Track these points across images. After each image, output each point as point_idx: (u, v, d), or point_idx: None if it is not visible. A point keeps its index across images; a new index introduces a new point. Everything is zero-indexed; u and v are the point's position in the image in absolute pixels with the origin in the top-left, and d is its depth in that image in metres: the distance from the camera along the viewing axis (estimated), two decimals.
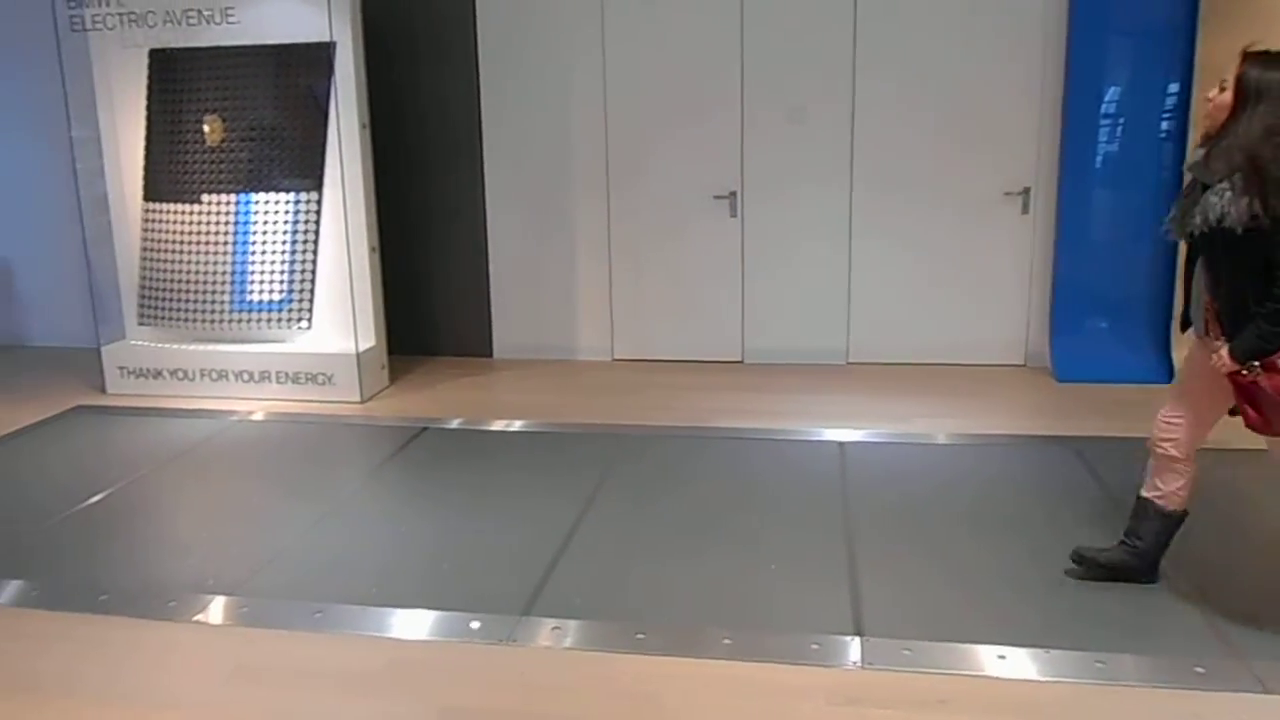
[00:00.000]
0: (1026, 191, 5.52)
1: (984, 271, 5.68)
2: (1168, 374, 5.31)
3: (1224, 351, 2.68)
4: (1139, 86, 5.32)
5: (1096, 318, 5.57)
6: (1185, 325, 2.96)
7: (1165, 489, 3.04)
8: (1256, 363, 2.60)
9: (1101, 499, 3.87)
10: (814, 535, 3.62)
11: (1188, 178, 2.83)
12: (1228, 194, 2.55)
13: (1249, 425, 2.71)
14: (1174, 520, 3.06)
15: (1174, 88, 5.24)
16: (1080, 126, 5.36)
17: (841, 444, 4.55)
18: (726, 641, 2.91)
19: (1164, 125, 5.30)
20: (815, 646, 2.87)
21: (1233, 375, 2.67)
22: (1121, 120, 5.38)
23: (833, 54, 5.53)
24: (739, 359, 5.99)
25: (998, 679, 2.71)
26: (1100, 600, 3.09)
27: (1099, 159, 5.42)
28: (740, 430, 4.77)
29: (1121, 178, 5.43)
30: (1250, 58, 2.63)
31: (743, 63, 5.62)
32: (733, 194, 5.78)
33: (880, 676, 2.73)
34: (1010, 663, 2.76)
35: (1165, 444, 3.00)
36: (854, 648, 2.85)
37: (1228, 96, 2.65)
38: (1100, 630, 2.90)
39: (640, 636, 2.95)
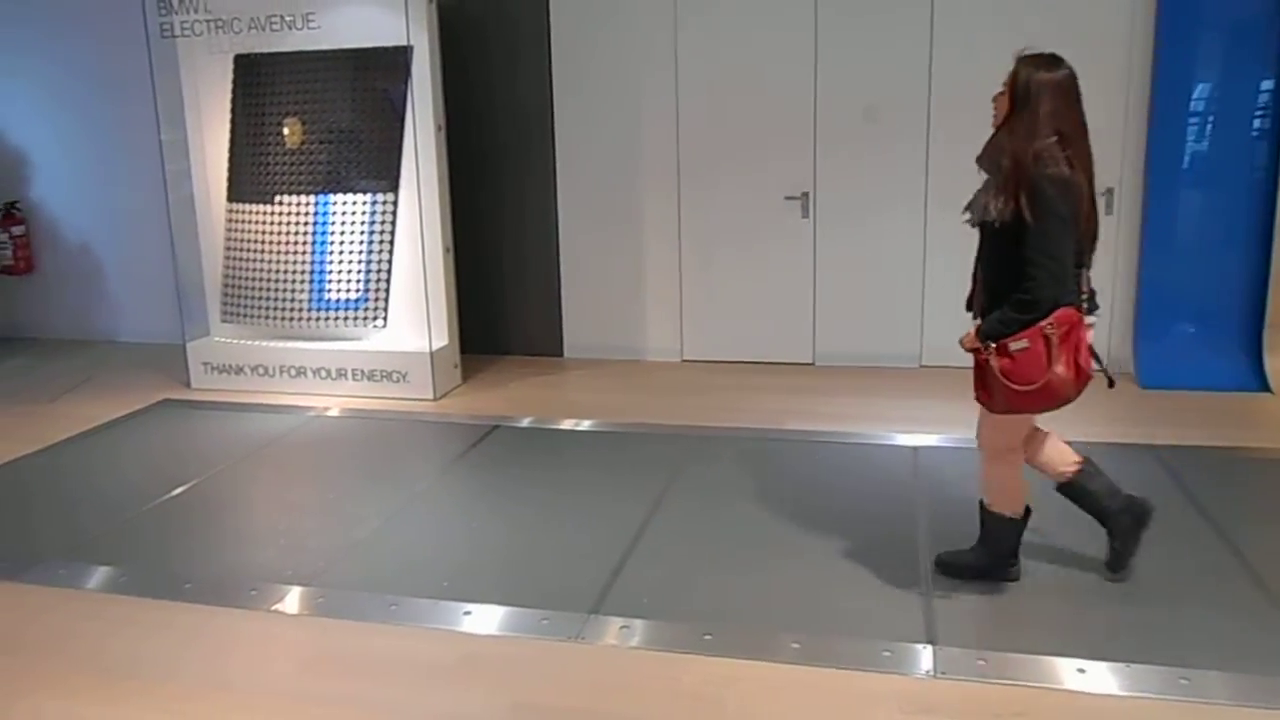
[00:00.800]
0: (1110, 192, 5.35)
1: None
2: (1259, 380, 5.11)
3: (972, 331, 2.93)
4: (1230, 83, 5.13)
5: (1183, 322, 5.38)
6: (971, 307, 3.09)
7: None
8: (992, 344, 2.82)
9: (1188, 508, 3.74)
10: (885, 540, 3.57)
11: None
12: (992, 189, 2.79)
13: (977, 399, 3.00)
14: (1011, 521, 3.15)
15: (1268, 84, 5.05)
16: (1168, 125, 5.19)
17: (915, 448, 4.48)
18: (795, 646, 2.88)
19: (1256, 123, 5.11)
20: (886, 654, 2.82)
21: (974, 352, 2.92)
22: (1211, 118, 5.20)
23: (909, 50, 5.44)
24: (810, 361, 5.94)
25: (1077, 692, 2.63)
26: (1186, 613, 2.98)
27: (1187, 158, 5.24)
28: (811, 433, 4.72)
29: (1211, 178, 5.25)
30: (1023, 60, 2.80)
31: (816, 62, 5.57)
32: (805, 194, 5.73)
33: (954, 686, 2.68)
34: (1090, 676, 2.68)
35: None
36: (926, 656, 2.80)
37: (1005, 100, 2.83)
38: (1186, 645, 2.81)
39: (708, 638, 2.94)
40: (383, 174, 5.49)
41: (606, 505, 3.97)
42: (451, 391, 5.62)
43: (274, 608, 3.23)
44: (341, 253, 5.61)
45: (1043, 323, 2.74)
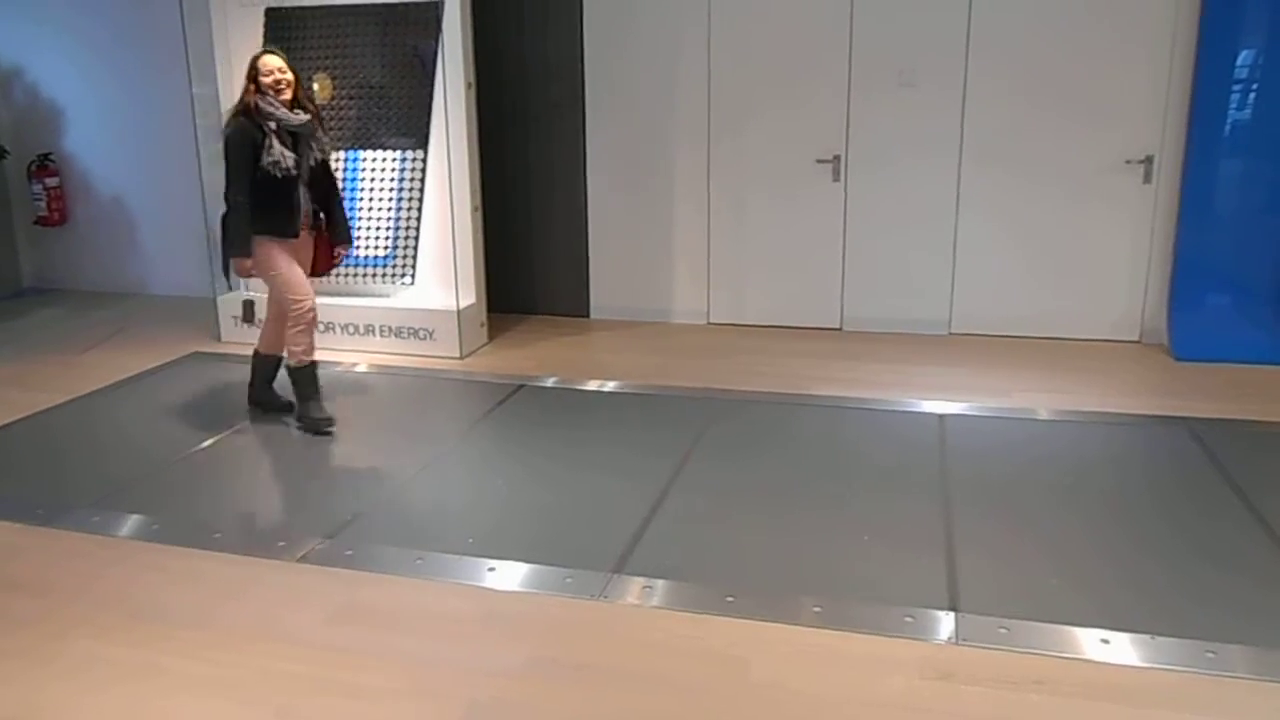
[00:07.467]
0: (1150, 160, 5.25)
1: (1100, 242, 5.45)
2: None
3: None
4: (1276, 49, 4.99)
5: (1220, 294, 5.28)
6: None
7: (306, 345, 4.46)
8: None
9: (1219, 483, 3.70)
10: (910, 507, 3.56)
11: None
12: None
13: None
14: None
15: None
16: (1211, 92, 5.07)
17: (941, 416, 4.45)
18: (817, 609, 2.89)
19: None
20: (908, 619, 2.83)
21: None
22: (1255, 86, 5.07)
23: (946, 14, 5.33)
24: (837, 326, 5.90)
25: (1099, 663, 2.62)
26: (1213, 587, 2.96)
27: (1228, 126, 5.12)
28: (837, 398, 4.70)
29: (1253, 147, 5.13)
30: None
31: (852, 23, 5.47)
32: (836, 158, 5.66)
33: (975, 653, 2.67)
34: (1113, 647, 2.67)
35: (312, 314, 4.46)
36: (948, 623, 2.80)
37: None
38: (1212, 619, 2.79)
39: (730, 600, 2.95)
40: (412, 131, 5.47)
41: (630, 467, 3.98)
42: (477, 350, 5.64)
43: (301, 559, 3.28)
44: (370, 209, 5.61)
45: None
